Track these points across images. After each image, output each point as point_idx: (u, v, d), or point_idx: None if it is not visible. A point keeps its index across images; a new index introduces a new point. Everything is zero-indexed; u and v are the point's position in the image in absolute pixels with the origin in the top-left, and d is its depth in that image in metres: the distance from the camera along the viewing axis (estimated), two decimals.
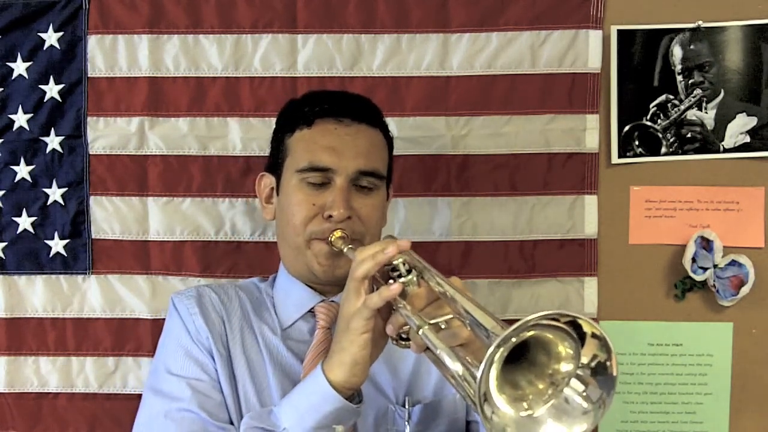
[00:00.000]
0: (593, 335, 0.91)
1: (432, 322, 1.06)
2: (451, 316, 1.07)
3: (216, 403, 1.33)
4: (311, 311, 1.42)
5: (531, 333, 0.90)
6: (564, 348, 0.93)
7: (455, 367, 0.98)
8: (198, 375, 1.34)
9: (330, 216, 1.34)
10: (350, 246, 1.30)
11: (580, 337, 0.91)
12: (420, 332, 1.04)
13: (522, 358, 0.94)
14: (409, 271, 1.13)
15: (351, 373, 1.16)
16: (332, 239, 1.33)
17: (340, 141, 1.37)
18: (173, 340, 1.39)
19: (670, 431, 1.80)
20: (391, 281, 1.13)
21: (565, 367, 0.94)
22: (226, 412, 1.34)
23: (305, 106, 1.43)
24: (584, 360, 0.93)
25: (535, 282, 1.78)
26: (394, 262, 1.14)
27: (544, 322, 0.89)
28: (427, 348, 1.06)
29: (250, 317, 1.43)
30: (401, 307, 1.10)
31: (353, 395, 1.19)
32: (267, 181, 1.48)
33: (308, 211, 1.36)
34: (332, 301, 1.41)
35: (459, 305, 1.03)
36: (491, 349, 0.85)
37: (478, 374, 0.86)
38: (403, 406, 1.34)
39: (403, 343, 1.14)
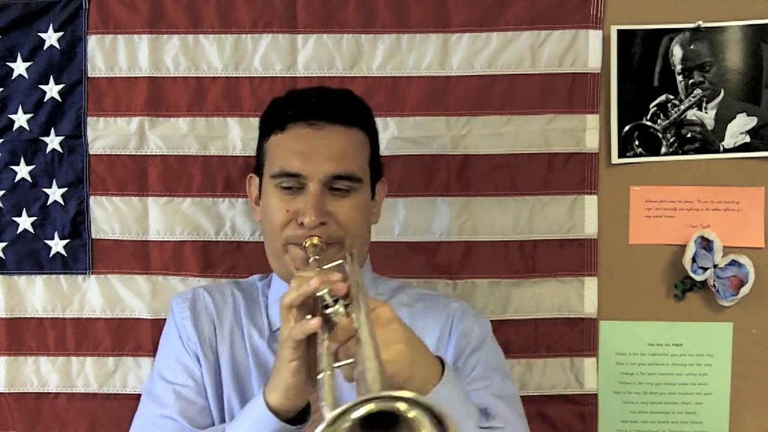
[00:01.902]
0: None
1: (337, 365, 1.03)
2: None
3: (198, 409, 1.34)
4: None
5: (400, 406, 0.84)
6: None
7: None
8: (184, 381, 1.35)
9: (303, 223, 1.32)
10: (316, 257, 1.28)
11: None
12: (319, 377, 1.02)
13: (391, 426, 0.87)
14: (336, 302, 1.10)
15: (285, 397, 1.14)
16: (306, 245, 1.31)
17: (311, 145, 1.34)
18: (168, 344, 1.42)
19: (670, 431, 1.80)
20: (309, 316, 1.11)
21: None
22: (210, 416, 1.35)
23: (280, 109, 1.41)
24: None
25: (535, 282, 1.78)
26: (318, 294, 1.10)
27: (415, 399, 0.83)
28: (353, 379, 1.02)
29: (242, 320, 1.43)
30: (319, 343, 1.08)
31: (299, 416, 1.17)
32: (255, 182, 1.47)
33: (283, 217, 1.34)
34: None
35: (361, 350, 0.98)
36: (336, 412, 0.81)
37: None
38: None
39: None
